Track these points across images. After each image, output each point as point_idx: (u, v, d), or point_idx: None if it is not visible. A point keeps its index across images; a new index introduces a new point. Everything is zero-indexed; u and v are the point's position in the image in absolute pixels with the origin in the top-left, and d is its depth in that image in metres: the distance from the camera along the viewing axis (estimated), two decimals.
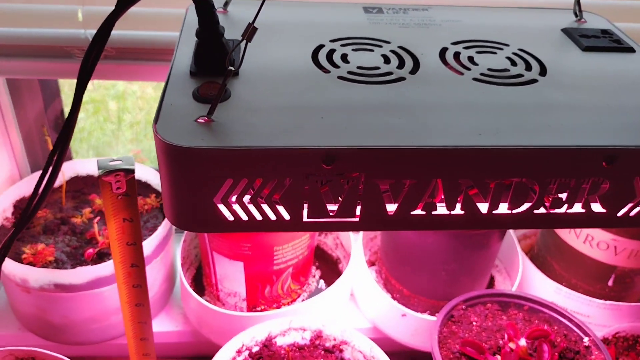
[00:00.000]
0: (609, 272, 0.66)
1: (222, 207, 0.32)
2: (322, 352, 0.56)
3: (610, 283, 0.67)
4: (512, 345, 0.54)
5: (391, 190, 0.32)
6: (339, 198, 0.32)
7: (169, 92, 0.34)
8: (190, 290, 0.60)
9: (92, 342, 0.62)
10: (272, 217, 0.33)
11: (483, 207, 0.34)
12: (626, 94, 0.38)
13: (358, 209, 0.33)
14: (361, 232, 0.70)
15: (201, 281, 0.69)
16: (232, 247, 0.58)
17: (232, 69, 0.31)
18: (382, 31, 0.44)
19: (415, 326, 0.62)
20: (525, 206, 0.34)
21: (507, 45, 0.43)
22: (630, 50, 0.44)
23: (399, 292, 0.67)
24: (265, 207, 0.32)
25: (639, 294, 0.70)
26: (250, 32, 0.31)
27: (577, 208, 0.35)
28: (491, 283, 0.74)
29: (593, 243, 0.65)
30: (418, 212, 0.33)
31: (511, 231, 0.72)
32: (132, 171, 0.38)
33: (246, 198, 0.32)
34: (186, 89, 0.35)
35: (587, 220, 0.35)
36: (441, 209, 0.33)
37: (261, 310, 0.63)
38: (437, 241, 0.60)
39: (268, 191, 0.31)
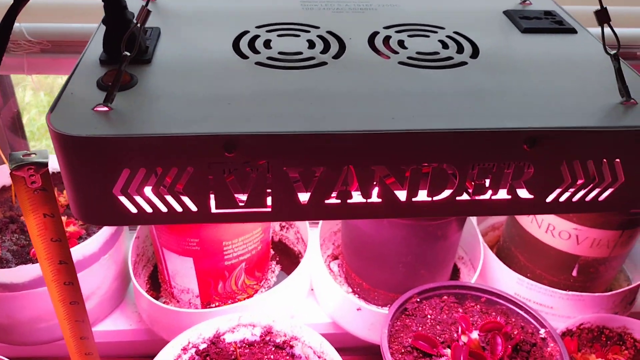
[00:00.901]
0: (572, 262, 0.65)
1: (123, 199, 0.30)
2: (273, 348, 0.55)
3: (574, 273, 0.66)
4: (464, 338, 0.53)
5: (301, 178, 0.31)
6: (248, 188, 0.31)
7: (74, 81, 0.33)
8: (138, 286, 0.59)
9: (40, 342, 0.60)
10: (178, 208, 0.31)
11: (402, 195, 0.32)
12: (558, 76, 0.36)
13: (269, 199, 0.31)
14: (320, 224, 0.69)
15: (158, 278, 0.67)
16: (179, 242, 0.56)
17: (128, 54, 0.30)
18: (313, 16, 0.42)
19: (371, 320, 0.61)
20: (447, 193, 0.32)
21: (442, 28, 0.41)
22: (572, 31, 0.42)
23: (359, 286, 0.66)
24: (169, 198, 0.31)
25: (605, 284, 0.69)
26: (144, 15, 0.30)
27: (503, 194, 0.33)
28: (456, 275, 0.72)
29: (555, 232, 0.64)
30: (332, 200, 0.32)
31: (474, 221, 0.71)
32: (45, 165, 0.37)
33: (148, 189, 0.30)
34: (94, 77, 0.33)
35: (515, 206, 0.34)
36: (358, 197, 0.32)
37: (216, 307, 0.62)
38: (392, 233, 0.58)
39: (170, 181, 0.30)
